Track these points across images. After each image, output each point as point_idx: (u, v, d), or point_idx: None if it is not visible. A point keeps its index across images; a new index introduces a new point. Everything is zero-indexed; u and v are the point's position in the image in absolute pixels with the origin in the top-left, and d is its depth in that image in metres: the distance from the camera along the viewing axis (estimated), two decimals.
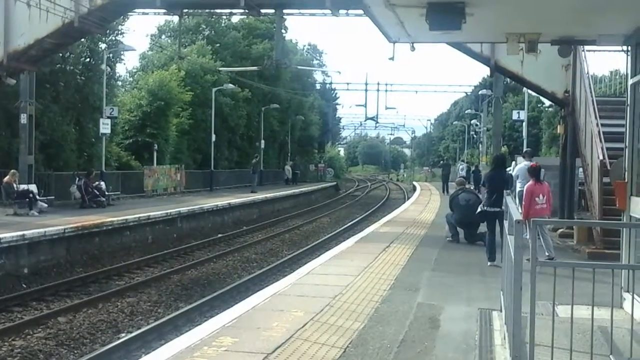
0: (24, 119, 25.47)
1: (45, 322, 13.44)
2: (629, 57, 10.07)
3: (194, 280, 18.55)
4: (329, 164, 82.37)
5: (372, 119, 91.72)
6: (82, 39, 28.42)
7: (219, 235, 27.78)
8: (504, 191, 13.13)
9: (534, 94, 34.69)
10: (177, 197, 36.52)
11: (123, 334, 12.91)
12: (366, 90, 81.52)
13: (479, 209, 14.62)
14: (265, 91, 56.04)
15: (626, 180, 9.57)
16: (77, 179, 27.66)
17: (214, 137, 44.82)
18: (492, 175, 14.44)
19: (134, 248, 23.12)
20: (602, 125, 17.29)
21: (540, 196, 13.76)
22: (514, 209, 6.78)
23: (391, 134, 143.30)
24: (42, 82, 28.46)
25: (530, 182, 14.04)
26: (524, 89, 33.78)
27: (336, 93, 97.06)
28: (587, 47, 18.76)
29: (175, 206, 29.14)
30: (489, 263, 13.93)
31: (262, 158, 55.08)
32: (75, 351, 11.96)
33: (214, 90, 45.00)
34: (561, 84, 20.72)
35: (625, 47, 11.32)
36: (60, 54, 28.95)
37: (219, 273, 19.87)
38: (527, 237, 13.50)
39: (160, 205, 29.73)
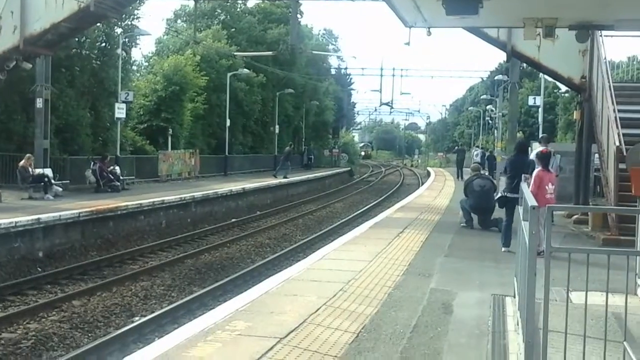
0: (39, 103, 25.51)
1: (60, 306, 13.53)
2: None
3: (208, 265, 18.61)
4: (343, 149, 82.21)
5: (387, 104, 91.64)
6: (98, 24, 28.43)
7: (233, 220, 27.84)
8: (523, 176, 13.02)
9: (550, 79, 34.48)
10: (192, 181, 36.62)
11: (137, 318, 12.99)
12: (381, 75, 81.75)
13: (499, 194, 14.50)
14: (280, 76, 55.95)
15: None
16: (92, 163, 27.80)
17: (228, 122, 44.85)
18: (514, 160, 14.22)
19: (148, 232, 23.22)
20: (619, 111, 17.17)
21: (550, 185, 13.24)
22: (530, 195, 6.73)
23: (406, 120, 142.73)
24: (58, 67, 28.51)
25: (540, 169, 13.62)
26: (540, 74, 33.55)
27: (351, 78, 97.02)
28: (604, 32, 18.59)
29: (189, 191, 29.20)
30: (503, 249, 13.84)
31: (276, 143, 55.13)
32: (89, 334, 12.05)
33: (229, 75, 45.03)
34: (578, 70, 20.54)
35: None
36: (76, 39, 28.93)
37: (232, 258, 19.93)
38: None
39: (174, 189, 29.82)
